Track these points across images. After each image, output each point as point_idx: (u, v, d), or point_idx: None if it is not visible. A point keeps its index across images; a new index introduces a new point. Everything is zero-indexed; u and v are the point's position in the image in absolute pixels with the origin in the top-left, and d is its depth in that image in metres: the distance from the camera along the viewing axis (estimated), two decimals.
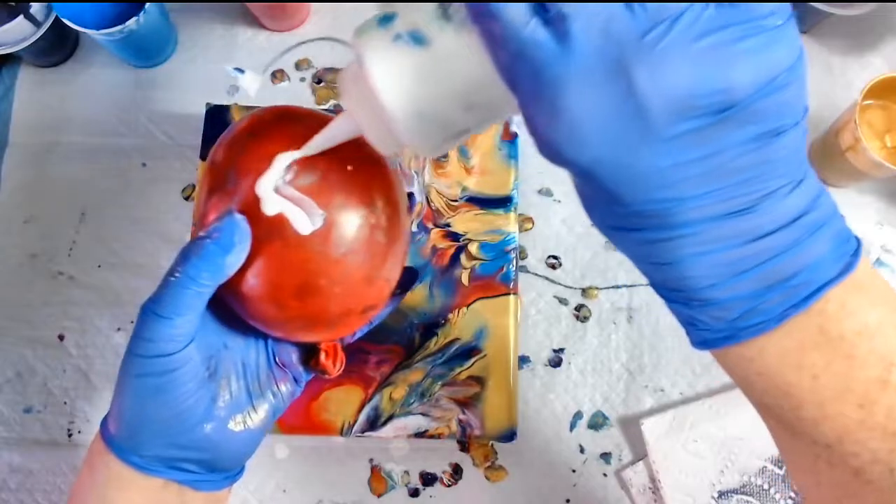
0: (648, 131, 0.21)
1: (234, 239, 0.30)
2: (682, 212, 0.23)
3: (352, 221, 0.31)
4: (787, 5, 0.21)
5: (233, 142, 0.33)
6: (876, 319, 0.24)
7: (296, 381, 0.36)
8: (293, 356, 0.37)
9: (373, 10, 0.57)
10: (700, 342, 0.26)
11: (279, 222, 0.30)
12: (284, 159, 0.30)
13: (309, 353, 0.36)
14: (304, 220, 0.30)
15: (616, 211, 0.24)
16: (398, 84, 0.24)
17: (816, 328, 0.24)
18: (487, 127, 0.30)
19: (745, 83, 0.21)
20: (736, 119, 0.21)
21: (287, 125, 0.32)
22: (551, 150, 0.23)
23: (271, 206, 0.30)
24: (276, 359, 0.36)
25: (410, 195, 0.49)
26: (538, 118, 0.22)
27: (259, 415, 0.34)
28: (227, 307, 0.34)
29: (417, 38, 0.24)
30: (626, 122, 0.21)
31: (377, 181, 0.33)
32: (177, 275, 0.30)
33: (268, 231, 0.31)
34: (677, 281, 0.24)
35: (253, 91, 0.55)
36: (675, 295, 0.25)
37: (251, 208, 0.31)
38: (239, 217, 0.31)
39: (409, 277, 0.39)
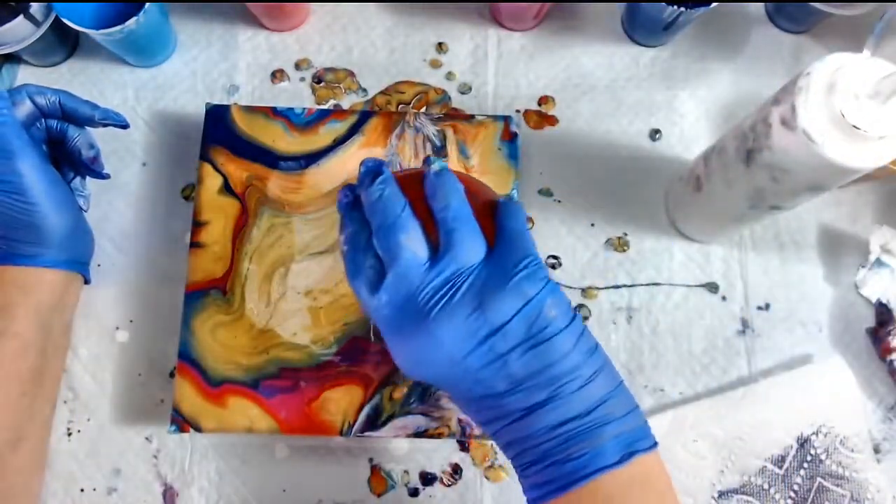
0: (452, 354, 0.31)
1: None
2: (500, 404, 0.31)
3: None
4: (530, 258, 0.31)
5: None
6: None
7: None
8: None
9: (373, 10, 0.57)
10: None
11: None
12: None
13: None
14: None
15: (467, 407, 0.33)
16: None
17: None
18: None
19: (501, 316, 0.30)
20: (504, 335, 0.30)
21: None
22: (404, 371, 0.34)
23: None
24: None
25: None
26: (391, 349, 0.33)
27: None
28: None
29: None
30: (433, 351, 0.31)
31: None
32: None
33: None
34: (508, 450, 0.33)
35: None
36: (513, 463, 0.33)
37: None
38: None
39: None
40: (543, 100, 0.55)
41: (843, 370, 0.49)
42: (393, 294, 0.31)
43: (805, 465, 0.48)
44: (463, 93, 0.55)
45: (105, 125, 0.46)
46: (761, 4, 0.58)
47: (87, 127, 0.46)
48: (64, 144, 0.45)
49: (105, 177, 0.47)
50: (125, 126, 0.47)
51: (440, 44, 0.57)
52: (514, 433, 0.31)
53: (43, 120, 0.44)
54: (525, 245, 0.32)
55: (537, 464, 0.31)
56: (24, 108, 0.42)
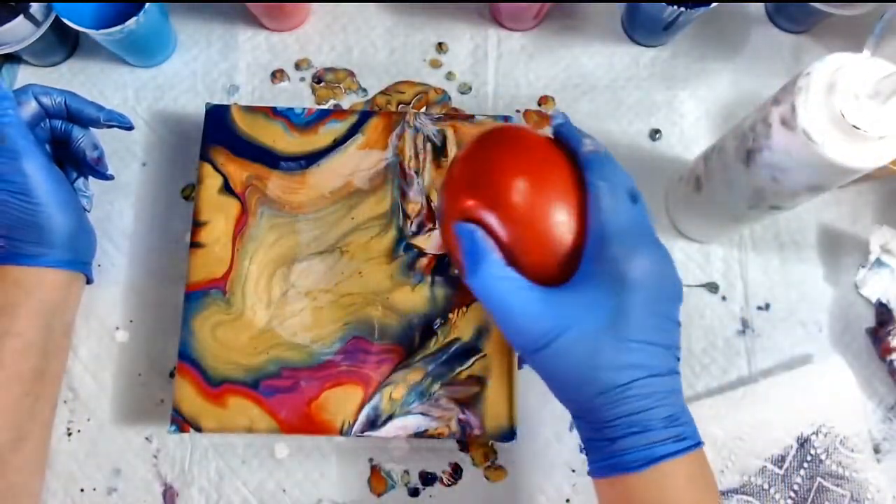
0: (674, 283, 0.36)
1: None
2: (659, 353, 0.33)
3: None
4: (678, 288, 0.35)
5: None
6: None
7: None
8: None
9: (373, 10, 0.57)
10: (607, 468, 0.34)
11: None
12: None
13: None
14: None
15: (627, 350, 0.33)
16: None
17: (697, 466, 0.34)
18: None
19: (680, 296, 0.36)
20: (679, 308, 0.35)
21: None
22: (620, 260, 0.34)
23: None
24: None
25: (404, 194, 0.49)
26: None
27: None
28: None
29: None
30: (669, 262, 0.36)
31: None
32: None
33: None
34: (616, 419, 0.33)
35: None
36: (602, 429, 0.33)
37: None
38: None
39: None
40: (543, 100, 0.55)
41: (843, 370, 0.49)
42: (642, 208, 0.36)
43: (805, 465, 0.48)
44: (463, 93, 0.55)
45: (110, 126, 0.46)
46: (761, 4, 0.58)
47: (90, 128, 0.46)
48: (68, 145, 0.45)
49: (109, 178, 0.47)
50: (130, 128, 0.47)
51: (440, 44, 0.57)
52: (653, 387, 0.33)
53: (47, 120, 0.44)
54: None
55: (674, 422, 0.33)
56: (30, 108, 0.42)
